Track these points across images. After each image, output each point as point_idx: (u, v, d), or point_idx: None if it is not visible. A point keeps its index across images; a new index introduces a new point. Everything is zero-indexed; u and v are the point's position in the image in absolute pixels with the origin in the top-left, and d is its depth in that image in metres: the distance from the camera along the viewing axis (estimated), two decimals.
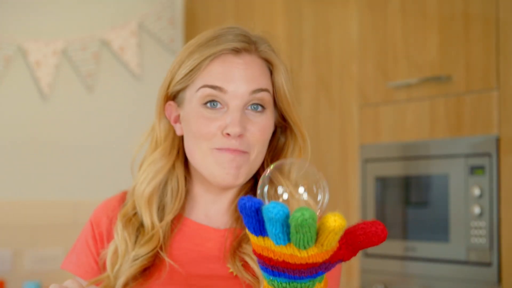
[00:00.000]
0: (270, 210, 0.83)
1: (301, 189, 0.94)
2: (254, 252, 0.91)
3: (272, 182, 0.94)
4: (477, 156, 2.11)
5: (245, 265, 1.23)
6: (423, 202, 2.27)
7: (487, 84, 2.08)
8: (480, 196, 2.09)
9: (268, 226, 0.85)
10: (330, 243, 0.85)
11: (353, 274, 2.44)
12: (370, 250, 2.39)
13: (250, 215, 0.87)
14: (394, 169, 2.34)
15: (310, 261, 0.87)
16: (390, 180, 2.36)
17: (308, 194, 0.93)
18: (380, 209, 2.38)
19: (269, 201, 0.91)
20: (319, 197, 0.93)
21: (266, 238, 0.88)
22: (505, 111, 2.04)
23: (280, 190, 0.93)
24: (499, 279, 2.03)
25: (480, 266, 2.08)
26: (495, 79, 2.07)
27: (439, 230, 2.19)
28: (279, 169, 0.96)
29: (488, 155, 2.07)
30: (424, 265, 2.23)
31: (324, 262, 0.88)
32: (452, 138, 2.17)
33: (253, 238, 0.89)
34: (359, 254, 2.41)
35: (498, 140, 2.06)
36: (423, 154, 2.26)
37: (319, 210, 0.92)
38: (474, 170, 2.11)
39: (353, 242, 0.88)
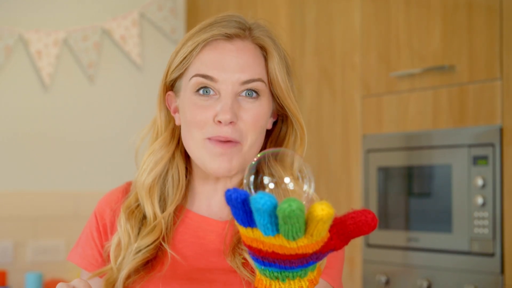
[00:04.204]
0: (257, 200, 0.82)
1: (287, 179, 0.92)
2: (244, 244, 0.90)
3: (258, 172, 0.92)
4: (480, 146, 2.10)
5: (245, 260, 1.22)
6: (426, 192, 2.27)
7: (490, 74, 2.07)
8: (483, 186, 2.08)
9: (256, 217, 0.84)
10: (319, 233, 0.84)
11: (356, 264, 2.44)
12: (373, 240, 2.38)
13: (237, 206, 0.85)
14: (397, 159, 2.34)
15: (300, 251, 0.86)
16: (393, 170, 2.35)
17: (294, 184, 0.91)
18: (382, 200, 2.38)
19: (255, 191, 0.90)
20: (305, 187, 0.91)
21: (254, 229, 0.87)
22: (509, 101, 2.03)
23: (266, 180, 0.91)
24: (502, 270, 2.03)
25: (483, 256, 2.07)
26: (498, 69, 2.05)
27: (442, 220, 2.18)
28: (266, 159, 0.94)
29: (492, 145, 2.07)
30: (427, 255, 2.22)
31: (314, 253, 0.87)
32: (455, 128, 2.16)
33: (241, 229, 0.88)
34: (362, 244, 2.41)
35: (501, 130, 2.05)
36: (426, 144, 2.25)
37: (305, 201, 0.90)
38: (477, 160, 2.10)
39: (343, 231, 0.86)
